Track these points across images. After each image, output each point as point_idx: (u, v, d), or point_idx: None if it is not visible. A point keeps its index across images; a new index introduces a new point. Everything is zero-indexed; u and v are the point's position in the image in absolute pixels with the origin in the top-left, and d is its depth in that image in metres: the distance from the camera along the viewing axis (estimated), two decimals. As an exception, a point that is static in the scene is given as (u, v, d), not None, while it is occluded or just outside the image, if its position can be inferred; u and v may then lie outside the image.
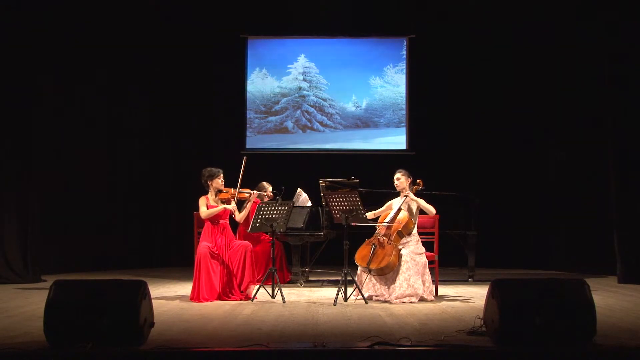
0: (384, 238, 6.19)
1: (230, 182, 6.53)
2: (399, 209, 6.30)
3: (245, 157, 6.53)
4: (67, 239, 8.98)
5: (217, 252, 6.25)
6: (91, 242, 9.28)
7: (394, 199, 6.52)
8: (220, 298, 6.13)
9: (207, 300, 6.04)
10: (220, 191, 6.43)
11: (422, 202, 6.33)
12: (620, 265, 7.73)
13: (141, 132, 10.17)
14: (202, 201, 6.38)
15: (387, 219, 6.29)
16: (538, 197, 9.83)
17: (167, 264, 10.00)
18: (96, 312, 3.87)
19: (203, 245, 6.24)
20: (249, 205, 6.60)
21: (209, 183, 6.42)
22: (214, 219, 6.33)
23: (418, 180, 6.40)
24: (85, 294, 3.98)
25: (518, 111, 10.03)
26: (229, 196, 6.42)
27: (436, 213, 6.57)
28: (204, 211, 6.32)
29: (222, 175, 6.44)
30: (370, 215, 6.42)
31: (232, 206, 6.32)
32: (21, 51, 8.10)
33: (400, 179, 6.39)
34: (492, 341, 4.04)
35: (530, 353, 3.79)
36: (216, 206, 6.36)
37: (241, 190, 6.53)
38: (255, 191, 6.68)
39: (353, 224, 6.27)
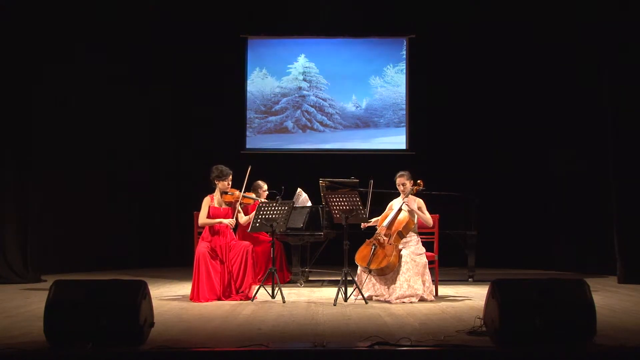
0: (385, 238, 6.19)
1: (231, 184, 6.53)
2: (399, 210, 6.29)
3: (250, 166, 6.52)
4: (67, 239, 8.98)
5: (217, 252, 6.24)
6: (91, 242, 9.29)
7: (394, 200, 6.52)
8: (220, 298, 6.13)
9: (207, 300, 6.03)
10: (225, 192, 6.41)
11: (421, 214, 6.31)
12: (620, 265, 7.73)
13: (141, 132, 10.17)
14: (205, 202, 6.37)
15: (388, 220, 6.28)
16: (538, 197, 9.82)
17: (167, 264, 10.00)
18: (96, 312, 3.87)
19: (202, 246, 6.24)
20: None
21: (216, 182, 6.41)
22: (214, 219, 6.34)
23: (419, 181, 6.39)
24: (85, 294, 3.98)
25: (518, 111, 10.03)
26: (233, 200, 6.42)
27: (436, 213, 6.58)
28: (202, 217, 6.35)
29: (230, 177, 6.41)
30: (373, 222, 6.41)
31: (229, 221, 6.30)
32: (20, 52, 8.11)
33: (406, 184, 6.35)
34: (492, 341, 4.03)
35: (530, 353, 3.79)
36: (219, 208, 6.37)
37: (246, 195, 6.53)
38: (259, 199, 6.67)
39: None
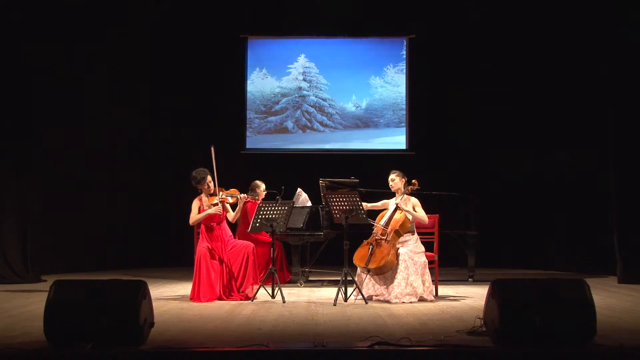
0: (382, 238, 6.19)
1: (226, 183, 6.52)
2: (395, 209, 6.29)
3: (213, 148, 6.33)
4: (67, 239, 8.98)
5: (216, 252, 6.24)
6: (91, 242, 9.29)
7: (391, 199, 6.52)
8: (220, 298, 6.13)
9: (207, 300, 6.03)
10: (211, 194, 6.40)
11: (415, 213, 6.28)
12: (620, 265, 7.73)
13: (141, 132, 10.17)
14: (194, 204, 6.35)
15: (384, 219, 6.28)
16: (538, 197, 9.82)
17: (167, 264, 10.00)
18: (96, 312, 3.87)
19: (203, 246, 6.24)
20: (240, 206, 6.55)
21: (199, 188, 6.42)
22: (208, 222, 6.33)
23: (413, 180, 6.39)
24: (85, 294, 3.98)
25: (518, 111, 10.03)
26: (219, 202, 6.39)
27: (436, 213, 6.57)
28: (192, 217, 6.32)
29: (208, 178, 6.35)
30: (365, 206, 6.39)
31: (216, 209, 6.25)
32: (19, 52, 8.11)
33: (395, 180, 6.38)
34: (492, 341, 4.03)
35: (530, 353, 3.79)
36: (206, 210, 6.34)
37: (229, 194, 6.48)
38: (242, 195, 6.60)
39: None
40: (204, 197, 6.41)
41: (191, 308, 5.71)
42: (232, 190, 6.55)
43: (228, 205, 6.49)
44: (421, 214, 6.32)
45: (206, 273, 6.12)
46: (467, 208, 7.92)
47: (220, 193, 6.39)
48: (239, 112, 10.62)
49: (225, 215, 6.46)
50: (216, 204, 6.31)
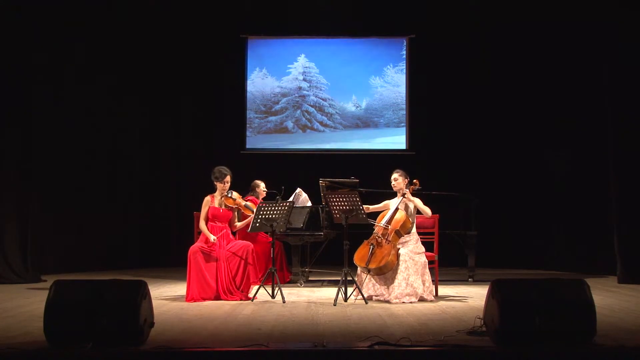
0: (382, 238, 6.19)
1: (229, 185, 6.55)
2: (396, 209, 6.29)
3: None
4: (67, 239, 8.98)
5: (213, 250, 6.24)
6: (91, 242, 9.28)
7: (392, 199, 6.52)
8: (218, 298, 6.13)
9: (202, 300, 6.04)
10: (227, 195, 6.42)
11: (419, 203, 6.31)
12: (620, 265, 7.73)
13: (141, 132, 10.17)
14: (205, 202, 6.40)
15: (385, 219, 6.28)
16: (538, 197, 9.82)
17: (167, 264, 9.99)
18: (96, 312, 3.87)
19: (195, 245, 6.26)
20: (247, 221, 6.55)
21: (215, 184, 6.44)
22: (213, 220, 6.37)
23: (414, 180, 6.39)
24: (85, 294, 3.98)
25: (518, 111, 10.03)
26: (233, 206, 6.45)
27: (436, 213, 6.57)
28: (201, 220, 6.38)
29: (228, 178, 6.41)
30: (366, 208, 6.39)
31: (213, 239, 6.26)
32: (19, 52, 8.12)
33: (398, 180, 6.38)
34: (492, 341, 4.03)
35: (530, 353, 3.79)
36: (219, 209, 6.39)
37: (247, 205, 6.55)
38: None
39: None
40: (216, 196, 6.43)
41: (191, 308, 5.71)
42: (251, 204, 6.60)
43: (236, 213, 6.54)
44: (424, 206, 6.31)
45: (198, 272, 6.13)
46: (467, 208, 7.92)
47: (238, 197, 6.43)
48: (239, 112, 10.63)
49: (230, 220, 6.48)
50: (231, 210, 6.40)
